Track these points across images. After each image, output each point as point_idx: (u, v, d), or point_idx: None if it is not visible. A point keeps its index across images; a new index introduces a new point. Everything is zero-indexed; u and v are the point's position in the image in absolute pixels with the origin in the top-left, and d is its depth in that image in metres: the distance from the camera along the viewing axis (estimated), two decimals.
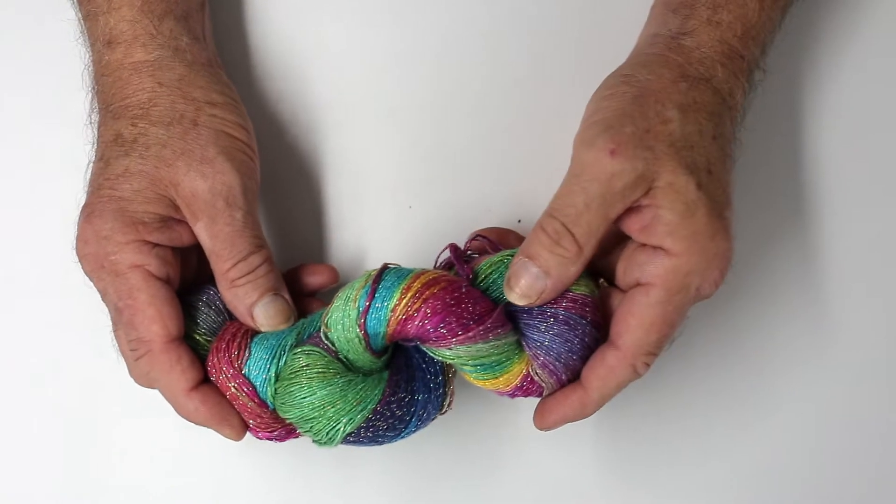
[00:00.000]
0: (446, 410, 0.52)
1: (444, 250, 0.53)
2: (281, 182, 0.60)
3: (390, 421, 0.50)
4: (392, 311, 0.49)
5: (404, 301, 0.48)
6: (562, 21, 0.61)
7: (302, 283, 0.56)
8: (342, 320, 0.49)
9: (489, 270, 0.52)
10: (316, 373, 0.49)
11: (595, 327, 0.51)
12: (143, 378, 0.51)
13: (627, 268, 0.51)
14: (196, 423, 0.51)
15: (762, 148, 0.61)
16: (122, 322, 0.50)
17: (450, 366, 0.52)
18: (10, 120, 0.61)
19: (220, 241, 0.50)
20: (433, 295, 0.49)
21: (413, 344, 0.51)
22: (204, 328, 0.53)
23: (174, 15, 0.53)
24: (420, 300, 0.48)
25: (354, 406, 0.49)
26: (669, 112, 0.49)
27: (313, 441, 0.50)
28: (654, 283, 0.49)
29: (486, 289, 0.52)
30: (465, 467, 0.62)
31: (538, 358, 0.51)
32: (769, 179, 0.62)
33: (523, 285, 0.50)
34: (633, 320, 0.49)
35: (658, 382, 0.61)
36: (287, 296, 0.53)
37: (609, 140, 0.48)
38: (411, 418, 0.50)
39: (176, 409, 0.51)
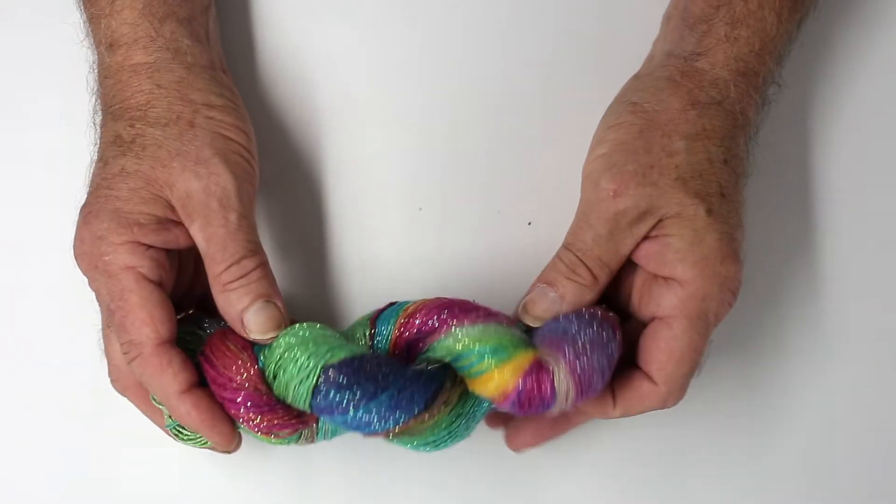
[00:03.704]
0: (428, 419, 0.49)
1: None
2: (289, 185, 0.60)
3: (369, 374, 0.48)
4: (398, 316, 0.50)
5: (410, 310, 0.50)
6: (573, 23, 0.61)
7: None
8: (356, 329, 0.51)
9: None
10: (305, 325, 0.50)
11: (613, 331, 0.50)
12: (123, 382, 0.52)
13: (642, 301, 0.52)
14: (188, 427, 0.51)
15: (773, 162, 0.60)
16: (113, 324, 0.50)
17: (450, 390, 0.50)
18: (15, 121, 0.61)
19: (214, 243, 0.50)
20: (436, 300, 0.50)
21: (424, 354, 0.50)
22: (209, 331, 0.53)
23: (176, 17, 0.53)
24: (423, 305, 0.50)
25: (341, 345, 0.49)
26: (675, 144, 0.50)
27: (287, 396, 0.49)
28: (673, 315, 0.50)
29: None
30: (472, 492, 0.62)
31: (546, 345, 0.49)
32: (780, 193, 0.61)
33: (540, 308, 0.51)
34: (663, 355, 0.50)
35: None
36: (280, 303, 0.51)
37: (611, 180, 0.50)
38: (384, 390, 0.47)
39: (170, 412, 0.51)
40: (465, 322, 0.49)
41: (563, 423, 0.55)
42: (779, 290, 0.62)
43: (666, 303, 0.50)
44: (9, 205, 0.61)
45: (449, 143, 0.61)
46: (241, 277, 0.50)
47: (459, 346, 0.49)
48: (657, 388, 0.51)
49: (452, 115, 0.61)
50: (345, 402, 0.48)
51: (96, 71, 0.54)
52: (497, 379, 0.49)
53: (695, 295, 0.49)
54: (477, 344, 0.49)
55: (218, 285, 0.50)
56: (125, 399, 0.59)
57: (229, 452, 0.52)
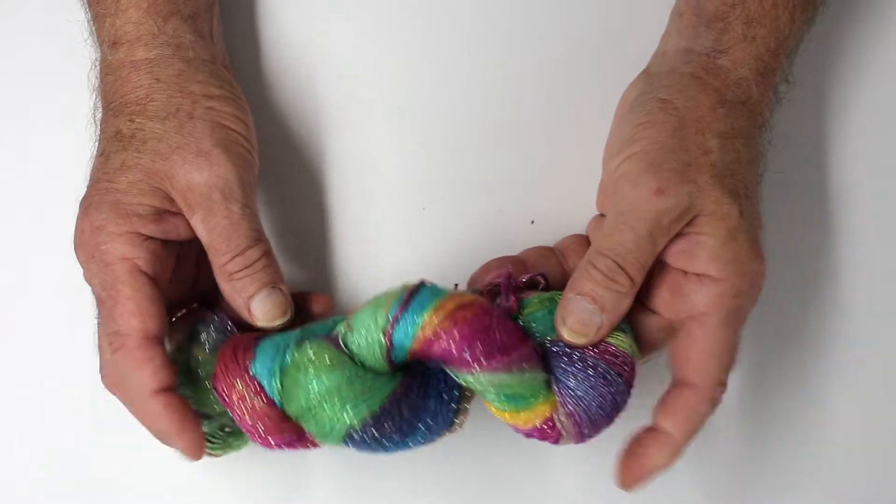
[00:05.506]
0: (457, 428, 0.51)
1: (498, 276, 0.52)
2: (292, 183, 0.60)
3: (397, 421, 0.48)
4: (421, 327, 0.48)
5: (435, 320, 0.48)
6: (577, 22, 0.61)
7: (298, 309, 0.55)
8: (368, 324, 0.49)
9: (537, 306, 0.51)
10: (324, 363, 0.48)
11: (628, 388, 0.50)
12: (112, 377, 0.50)
13: (674, 299, 0.51)
14: (154, 431, 0.50)
15: (789, 158, 0.60)
16: (102, 313, 0.49)
17: (469, 396, 0.51)
18: (16, 119, 0.61)
19: (217, 234, 0.50)
20: (464, 319, 0.48)
21: (436, 364, 0.50)
22: (206, 347, 0.52)
23: (181, 15, 0.53)
24: (449, 321, 0.47)
25: (360, 396, 0.48)
26: (710, 142, 0.50)
27: (316, 437, 0.49)
28: (707, 313, 0.49)
29: (529, 324, 0.51)
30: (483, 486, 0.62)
31: (566, 405, 0.49)
32: (797, 190, 0.61)
33: (579, 321, 0.49)
34: (697, 354, 0.49)
35: None
36: (285, 289, 0.52)
37: (653, 178, 0.48)
38: (419, 423, 0.49)
39: (136, 413, 0.50)
40: (488, 367, 0.48)
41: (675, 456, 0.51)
42: (797, 287, 0.62)
43: (700, 299, 0.49)
44: (9, 203, 0.61)
45: (452, 142, 0.61)
46: (247, 267, 0.51)
47: (479, 387, 0.49)
48: (699, 390, 0.49)
49: (455, 115, 0.61)
50: (376, 451, 0.49)
51: (98, 68, 0.54)
52: (508, 419, 0.50)
53: (728, 291, 0.48)
54: (496, 389, 0.49)
55: (223, 275, 0.51)
56: None
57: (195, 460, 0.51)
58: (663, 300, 0.51)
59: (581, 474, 0.61)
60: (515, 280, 0.52)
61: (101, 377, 0.51)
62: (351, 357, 0.49)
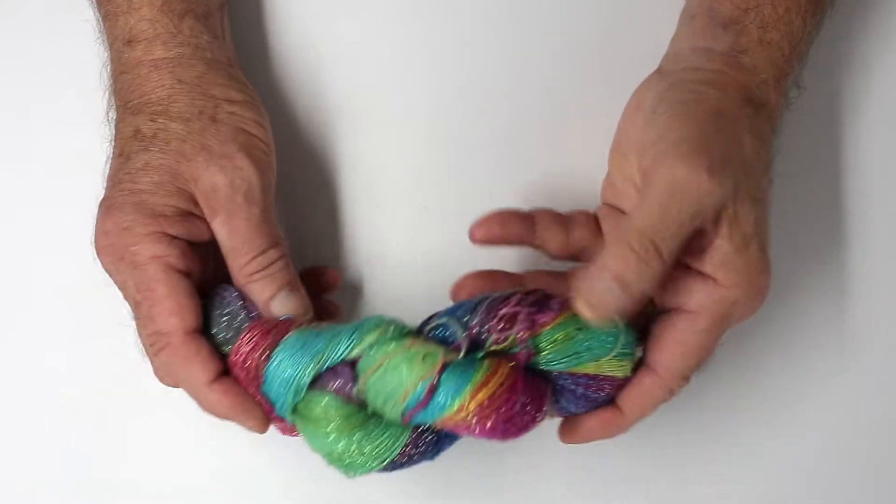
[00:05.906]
0: None
1: (520, 295, 0.50)
2: (296, 182, 0.60)
3: (416, 456, 0.49)
4: (443, 418, 0.47)
5: (460, 415, 0.47)
6: (581, 20, 0.61)
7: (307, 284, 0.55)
8: (386, 402, 0.48)
9: (552, 347, 0.49)
10: (334, 426, 0.48)
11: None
12: (167, 375, 0.51)
13: (668, 287, 0.50)
14: (219, 416, 0.50)
15: (798, 163, 0.61)
16: (140, 315, 0.50)
17: None
18: (25, 119, 0.61)
19: (238, 236, 0.51)
20: (487, 416, 0.47)
21: None
22: (219, 338, 0.51)
23: (194, 14, 0.53)
24: (473, 418, 0.47)
25: (371, 459, 0.48)
26: (743, 136, 0.49)
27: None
28: (700, 312, 0.49)
29: (542, 362, 0.50)
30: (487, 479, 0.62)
31: (559, 414, 0.52)
32: (805, 195, 0.62)
33: (601, 302, 0.47)
34: (679, 348, 0.49)
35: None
36: (303, 290, 0.53)
37: (704, 158, 0.46)
38: (437, 449, 0.50)
39: (199, 403, 0.50)
40: (506, 441, 0.48)
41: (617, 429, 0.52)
42: (804, 293, 0.62)
43: (697, 298, 0.49)
44: (9, 203, 0.61)
45: (453, 141, 0.61)
46: (266, 268, 0.51)
47: None
48: (662, 380, 0.50)
49: (458, 115, 0.61)
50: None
51: (110, 67, 0.54)
52: None
53: (728, 298, 0.48)
54: None
55: (243, 277, 0.51)
56: (132, 402, 0.60)
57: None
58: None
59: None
60: (537, 323, 0.50)
61: (158, 378, 0.52)
62: (364, 408, 0.49)
